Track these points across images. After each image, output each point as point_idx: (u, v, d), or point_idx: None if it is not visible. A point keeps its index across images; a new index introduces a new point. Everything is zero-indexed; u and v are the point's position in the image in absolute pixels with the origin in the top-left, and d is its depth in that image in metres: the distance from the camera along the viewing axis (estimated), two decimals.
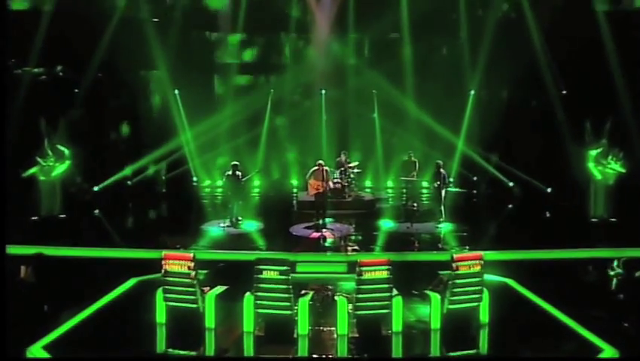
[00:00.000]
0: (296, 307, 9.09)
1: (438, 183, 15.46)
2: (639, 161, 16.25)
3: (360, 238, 14.99)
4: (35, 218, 15.80)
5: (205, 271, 9.90)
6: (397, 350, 8.95)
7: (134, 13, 19.63)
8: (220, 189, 20.08)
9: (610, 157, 16.12)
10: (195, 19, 21.31)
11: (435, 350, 9.04)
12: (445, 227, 15.33)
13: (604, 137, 16.23)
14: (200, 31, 21.93)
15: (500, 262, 11.32)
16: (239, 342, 9.07)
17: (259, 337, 9.13)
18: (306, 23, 21.54)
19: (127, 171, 20.18)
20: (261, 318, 9.24)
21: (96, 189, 19.17)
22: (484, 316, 9.45)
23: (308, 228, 15.35)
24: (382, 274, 9.08)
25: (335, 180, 17.18)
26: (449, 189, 16.25)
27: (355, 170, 18.33)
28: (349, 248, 13.93)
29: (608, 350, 8.51)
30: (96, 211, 17.63)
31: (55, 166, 16.43)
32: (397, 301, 9.15)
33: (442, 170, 15.53)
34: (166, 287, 9.32)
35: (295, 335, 9.06)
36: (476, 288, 9.32)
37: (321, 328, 9.41)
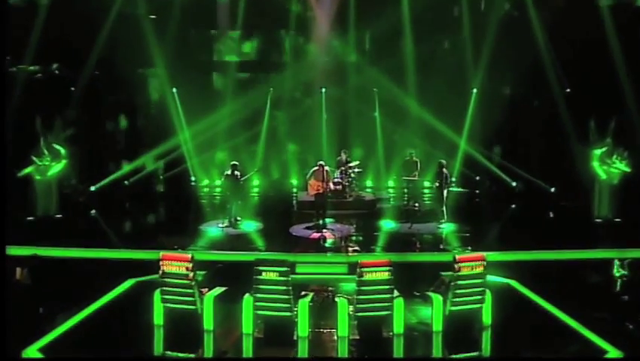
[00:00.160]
0: (296, 309, 9.09)
1: (439, 182, 15.46)
2: None
3: (361, 238, 15.00)
4: (31, 218, 15.80)
5: (203, 272, 9.90)
6: (398, 352, 8.95)
7: (131, 10, 19.62)
8: (218, 189, 20.10)
9: (614, 156, 16.12)
10: (193, 15, 21.31)
11: (437, 352, 9.04)
12: (447, 227, 15.34)
13: (609, 136, 16.24)
14: (199, 29, 21.93)
15: (503, 263, 11.34)
16: (238, 344, 9.07)
17: (258, 339, 9.14)
18: (306, 20, 21.54)
19: (126, 168, 20.19)
20: (260, 320, 9.24)
21: (92, 188, 19.17)
22: (487, 317, 9.46)
23: (308, 228, 15.36)
24: (383, 275, 9.08)
25: (335, 180, 17.18)
26: (451, 188, 16.25)
27: (356, 169, 18.33)
28: (350, 249, 13.94)
29: (612, 352, 8.52)
30: (93, 211, 17.64)
31: (51, 165, 16.43)
32: (399, 303, 9.16)
33: (444, 169, 15.53)
34: (164, 288, 9.32)
35: (295, 337, 9.06)
36: (479, 289, 9.32)
37: (322, 330, 9.41)
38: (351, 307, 9.16)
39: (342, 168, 17.82)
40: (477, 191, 20.50)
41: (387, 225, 15.87)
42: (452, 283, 9.24)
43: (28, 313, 9.73)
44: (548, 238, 14.42)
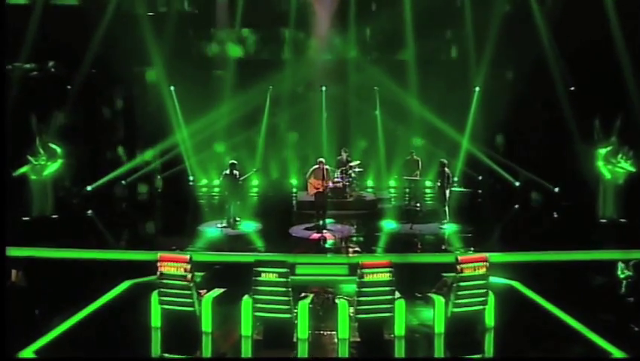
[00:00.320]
0: (295, 311, 9.10)
1: (441, 182, 15.46)
2: None
3: (361, 239, 15.00)
4: (26, 218, 15.80)
5: (201, 274, 9.92)
6: (399, 354, 8.95)
7: (128, 7, 19.63)
8: (217, 189, 20.08)
9: (620, 156, 16.12)
10: (192, 13, 21.31)
11: (439, 354, 9.03)
12: (449, 228, 15.34)
13: (614, 135, 16.24)
14: (197, 26, 21.93)
15: (506, 264, 11.34)
16: (236, 346, 9.08)
17: (257, 341, 9.14)
18: (306, 17, 21.53)
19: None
20: (260, 322, 9.25)
21: (89, 188, 19.17)
22: (489, 319, 9.46)
23: (308, 229, 15.36)
24: (384, 276, 9.08)
25: (336, 180, 17.18)
26: (453, 188, 16.25)
27: (357, 169, 18.33)
28: (350, 250, 13.94)
29: (617, 355, 8.52)
30: (89, 212, 17.65)
31: (47, 165, 16.44)
32: (400, 305, 9.16)
33: (446, 169, 15.53)
34: (162, 290, 9.32)
35: (295, 339, 9.07)
36: (482, 291, 9.33)
37: (322, 332, 9.42)
38: (351, 309, 9.16)
39: (343, 168, 17.82)
40: (480, 191, 20.50)
41: (388, 225, 15.87)
42: (455, 285, 9.24)
43: (24, 315, 9.73)
44: (552, 238, 14.43)
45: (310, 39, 21.83)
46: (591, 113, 16.90)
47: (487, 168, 20.52)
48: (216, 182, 20.50)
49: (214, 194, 20.45)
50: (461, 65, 20.95)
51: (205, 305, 9.31)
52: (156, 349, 9.11)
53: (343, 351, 8.92)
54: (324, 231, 14.90)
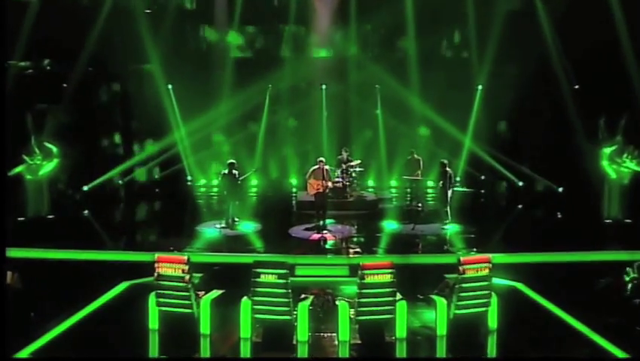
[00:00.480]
0: (295, 313, 9.10)
1: (443, 181, 15.46)
2: None
3: (362, 239, 15.02)
4: (22, 219, 15.81)
5: (200, 275, 9.93)
6: (401, 357, 8.96)
7: (125, 4, 19.63)
8: (215, 189, 20.11)
9: (625, 155, 16.13)
10: (190, 10, 21.32)
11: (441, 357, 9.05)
12: (451, 228, 15.34)
13: (619, 134, 16.24)
14: (195, 23, 21.94)
15: (509, 265, 11.33)
16: (235, 349, 9.09)
17: (256, 343, 9.15)
18: (306, 14, 21.54)
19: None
20: (259, 324, 9.26)
21: (85, 188, 19.18)
22: (492, 321, 9.47)
23: (308, 229, 15.36)
24: (386, 277, 9.09)
25: (336, 180, 17.19)
26: (455, 188, 16.26)
27: (357, 168, 18.34)
28: (351, 250, 13.94)
29: (619, 356, 8.54)
30: (86, 212, 17.66)
31: (42, 164, 16.44)
32: (401, 306, 9.16)
33: (448, 169, 15.53)
34: (159, 291, 9.33)
35: (294, 342, 9.08)
36: (484, 292, 9.33)
37: (322, 334, 9.42)
38: (352, 311, 9.16)
39: (343, 167, 17.83)
40: (482, 191, 20.51)
41: (389, 226, 15.88)
42: (457, 286, 9.24)
43: (19, 317, 9.73)
44: (556, 239, 14.43)
45: (310, 36, 21.84)
46: (596, 111, 16.91)
47: (494, 170, 20.44)
48: (215, 182, 20.53)
49: (212, 194, 20.47)
50: (464, 63, 20.95)
51: (204, 307, 9.32)
52: (153, 351, 9.12)
53: (344, 354, 8.93)
54: (325, 231, 14.91)
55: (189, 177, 21.51)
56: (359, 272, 9.13)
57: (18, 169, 16.17)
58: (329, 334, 9.37)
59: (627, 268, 11.43)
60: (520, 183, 20.24)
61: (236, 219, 15.68)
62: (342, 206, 17.39)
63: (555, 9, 18.86)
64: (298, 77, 21.50)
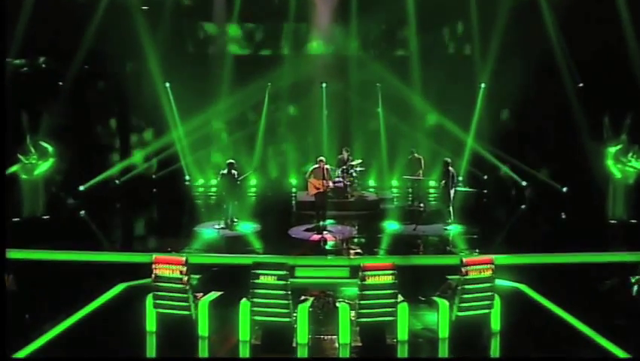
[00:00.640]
0: (295, 314, 9.10)
1: (445, 181, 15.46)
2: None
3: (363, 240, 15.02)
4: (17, 219, 15.81)
5: (198, 276, 9.92)
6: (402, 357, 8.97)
7: (122, 0, 19.62)
8: (214, 189, 20.11)
9: (630, 154, 16.13)
10: (188, 6, 21.31)
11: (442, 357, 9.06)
12: (454, 229, 15.35)
13: (624, 133, 16.24)
14: (193, 20, 21.92)
15: (512, 267, 11.34)
16: (234, 351, 9.09)
17: (255, 346, 9.15)
18: (306, 11, 21.53)
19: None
20: (258, 326, 9.26)
21: (81, 188, 19.19)
22: (495, 323, 9.47)
23: (308, 230, 15.37)
24: (387, 279, 9.09)
25: (336, 179, 17.19)
26: (457, 188, 16.26)
27: (358, 168, 18.34)
28: (352, 251, 13.95)
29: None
30: (82, 212, 17.66)
31: (38, 164, 16.45)
32: (403, 308, 9.16)
33: (451, 168, 15.53)
34: (157, 293, 9.33)
35: (294, 344, 9.08)
36: (487, 294, 9.33)
37: (322, 336, 9.42)
38: (353, 313, 9.16)
39: (344, 167, 17.83)
40: (485, 191, 20.52)
41: (390, 226, 15.88)
42: (459, 288, 9.24)
43: (14, 319, 9.72)
44: (560, 240, 14.44)
45: (310, 34, 21.84)
46: (600, 110, 16.90)
47: (497, 170, 20.44)
48: (213, 181, 20.53)
49: (211, 194, 20.47)
50: (467, 61, 20.94)
51: (202, 309, 9.32)
52: (151, 354, 9.12)
53: (344, 356, 8.92)
54: (325, 232, 14.91)
55: (187, 177, 21.51)
56: (360, 273, 9.12)
57: (13, 169, 16.17)
58: (329, 336, 9.37)
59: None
60: (524, 183, 20.24)
61: (235, 219, 15.68)
62: (343, 206, 17.40)
63: (559, 5, 18.84)
64: (298, 75, 21.48)
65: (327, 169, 14.96)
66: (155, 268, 9.30)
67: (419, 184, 18.03)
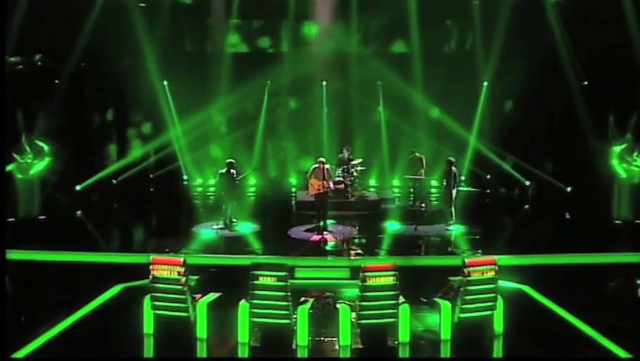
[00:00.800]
0: (294, 316, 9.10)
1: (448, 181, 15.46)
2: None
3: (364, 241, 15.02)
4: (12, 220, 15.81)
5: (196, 277, 9.90)
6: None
7: None
8: (212, 189, 20.12)
9: (635, 154, 16.15)
10: (186, 3, 21.31)
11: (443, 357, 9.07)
12: (456, 229, 15.35)
13: (630, 132, 16.24)
14: (191, 17, 21.92)
15: (515, 268, 11.34)
16: (232, 354, 9.09)
17: (254, 348, 9.15)
18: (305, 8, 21.53)
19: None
20: (257, 328, 9.26)
21: (78, 188, 19.19)
22: (498, 325, 9.46)
23: (308, 230, 15.38)
24: (388, 280, 9.08)
25: (337, 179, 17.20)
26: (460, 188, 16.27)
27: (359, 167, 18.35)
28: (352, 252, 13.96)
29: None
30: (78, 212, 17.67)
31: (33, 163, 16.45)
32: (404, 310, 9.16)
33: (453, 167, 15.53)
34: (154, 294, 9.32)
35: (294, 346, 9.08)
36: (490, 295, 9.33)
37: (322, 338, 9.42)
38: (353, 315, 9.16)
39: (345, 167, 17.83)
40: (488, 190, 20.53)
41: (391, 226, 15.89)
42: (462, 289, 9.24)
43: (8, 321, 9.72)
44: (564, 240, 14.44)
45: (311, 31, 21.83)
46: (605, 109, 16.90)
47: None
48: (212, 181, 20.55)
49: (209, 194, 20.48)
50: (469, 59, 20.95)
51: (200, 310, 9.32)
52: (148, 356, 9.12)
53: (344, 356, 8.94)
54: (325, 232, 14.91)
55: (185, 177, 21.52)
56: (361, 274, 9.12)
57: (8, 168, 16.16)
58: (329, 338, 9.38)
59: None
60: (527, 183, 20.24)
61: (234, 219, 15.69)
62: (344, 206, 17.41)
63: (563, 2, 18.84)
64: (298, 73, 21.49)
65: (327, 169, 14.96)
66: (153, 269, 9.29)
67: (420, 184, 18.04)
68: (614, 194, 16.27)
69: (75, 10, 18.41)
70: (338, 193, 17.24)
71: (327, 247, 14.19)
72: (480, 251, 13.33)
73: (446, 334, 9.27)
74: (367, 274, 9.07)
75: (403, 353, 9.05)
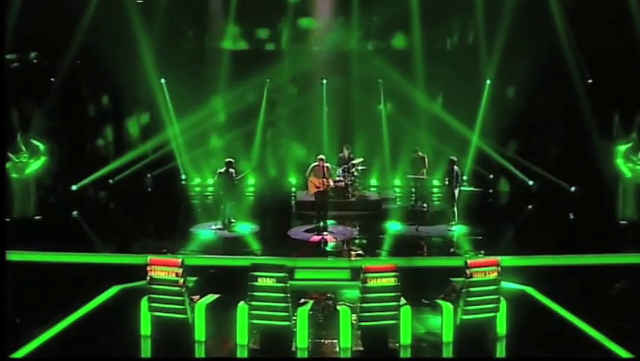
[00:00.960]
0: (294, 318, 9.11)
1: (450, 180, 15.46)
2: None
3: (364, 241, 15.02)
4: (7, 220, 15.80)
5: (194, 278, 9.93)
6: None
7: None
8: (211, 188, 20.12)
9: None
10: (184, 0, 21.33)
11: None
12: (458, 230, 15.36)
13: (635, 130, 16.24)
14: (190, 14, 21.91)
15: (519, 269, 11.35)
16: (231, 356, 9.10)
17: (253, 350, 9.16)
18: (305, 5, 21.53)
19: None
20: (256, 330, 9.27)
21: (74, 188, 19.20)
22: (501, 327, 9.47)
23: (308, 230, 15.39)
24: (389, 281, 9.09)
25: (337, 178, 17.20)
26: (462, 188, 16.28)
27: (359, 167, 18.34)
28: (353, 253, 13.96)
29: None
30: (74, 213, 17.68)
31: (29, 163, 16.45)
32: (406, 311, 9.17)
33: (455, 167, 15.54)
34: (152, 296, 9.33)
35: (293, 348, 9.09)
36: (493, 297, 9.33)
37: (322, 340, 9.43)
38: (354, 316, 9.17)
39: (345, 166, 17.83)
40: (491, 190, 20.53)
41: (393, 227, 15.89)
42: (464, 290, 9.25)
43: (3, 323, 9.74)
44: (568, 241, 14.44)
45: (310, 28, 21.83)
46: (610, 107, 16.89)
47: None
48: (210, 181, 20.55)
49: (207, 194, 20.48)
50: (472, 56, 20.94)
51: (199, 312, 9.33)
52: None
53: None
54: (325, 233, 14.92)
55: (183, 176, 21.52)
56: (361, 276, 9.13)
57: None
58: (330, 340, 9.39)
59: None
60: (530, 183, 20.25)
61: (233, 220, 15.70)
62: (344, 206, 17.41)
63: (568, 0, 18.83)
64: (298, 71, 21.50)
65: (327, 168, 14.97)
66: (150, 270, 9.30)
67: (422, 183, 18.04)
68: (619, 194, 16.27)
69: (71, 7, 18.42)
70: (338, 192, 17.25)
71: (328, 248, 14.20)
72: (482, 252, 13.35)
73: (448, 336, 9.28)
74: (367, 275, 9.08)
75: (405, 355, 9.06)
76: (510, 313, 9.50)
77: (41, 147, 16.70)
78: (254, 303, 9.09)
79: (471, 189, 19.68)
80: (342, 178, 17.60)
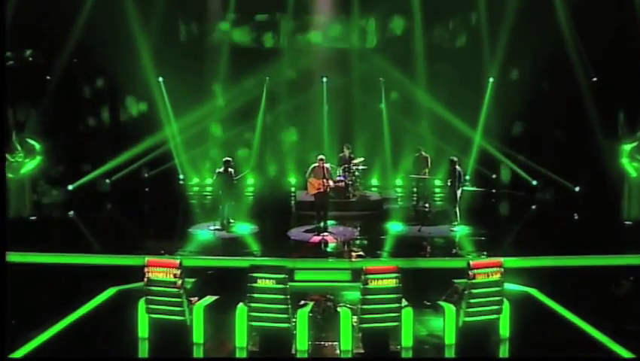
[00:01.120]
0: (294, 320, 9.13)
1: (452, 180, 15.48)
2: None
3: (365, 242, 15.03)
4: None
5: (192, 280, 9.95)
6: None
7: None
8: (209, 188, 20.14)
9: None
10: None
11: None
12: (460, 230, 15.37)
13: None
14: (188, 11, 21.93)
15: (522, 270, 11.37)
16: (230, 358, 9.12)
17: (253, 352, 9.17)
18: (306, 2, 21.54)
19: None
20: (255, 332, 9.28)
21: (70, 187, 19.21)
22: (504, 329, 9.48)
23: (308, 231, 15.40)
24: (391, 282, 9.10)
25: (338, 178, 17.22)
26: (464, 188, 16.29)
27: (360, 166, 18.36)
28: (354, 254, 13.97)
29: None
30: (71, 213, 17.69)
31: (24, 162, 16.47)
32: (407, 313, 9.18)
33: (457, 167, 15.56)
34: (149, 297, 9.35)
35: (293, 351, 9.10)
36: (496, 298, 9.34)
37: (322, 343, 9.45)
38: (354, 318, 9.18)
39: (346, 166, 17.84)
40: (493, 190, 20.54)
41: (394, 227, 15.90)
42: (466, 292, 9.26)
43: (4, 323, 9.76)
44: (572, 242, 14.45)
45: (310, 26, 21.84)
46: (615, 106, 16.90)
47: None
48: (209, 181, 20.56)
49: (206, 193, 20.49)
50: (475, 55, 20.95)
51: (197, 314, 9.34)
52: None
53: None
54: (325, 233, 14.94)
55: (181, 176, 21.53)
56: (362, 277, 9.13)
57: None
58: (330, 343, 9.40)
59: None
60: (534, 183, 20.26)
61: (232, 220, 15.71)
62: (345, 206, 17.42)
63: None
64: (298, 69, 21.51)
65: (327, 168, 14.98)
66: (148, 272, 9.31)
67: (424, 183, 18.05)
68: (624, 194, 16.28)
69: (67, 4, 18.43)
70: (338, 192, 17.26)
71: (328, 249, 14.22)
72: (485, 253, 13.37)
73: (450, 338, 9.29)
74: (368, 276, 9.08)
75: (406, 357, 9.07)
76: (513, 315, 9.50)
77: (37, 146, 16.73)
78: (253, 305, 9.11)
79: (474, 189, 19.67)
80: (342, 178, 17.61)
